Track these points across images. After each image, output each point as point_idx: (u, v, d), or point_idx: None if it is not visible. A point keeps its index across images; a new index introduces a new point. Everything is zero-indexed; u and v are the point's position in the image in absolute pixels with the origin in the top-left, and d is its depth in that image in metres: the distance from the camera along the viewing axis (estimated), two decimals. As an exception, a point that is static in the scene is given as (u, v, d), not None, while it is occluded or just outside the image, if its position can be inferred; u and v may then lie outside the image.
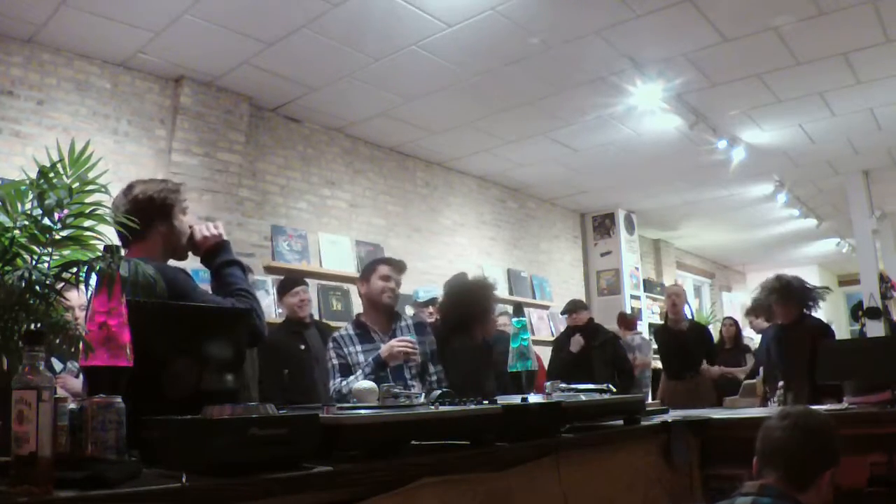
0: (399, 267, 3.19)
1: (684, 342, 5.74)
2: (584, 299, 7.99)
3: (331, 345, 3.12)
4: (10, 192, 1.29)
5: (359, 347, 3.05)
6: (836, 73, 5.05)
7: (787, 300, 3.91)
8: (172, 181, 2.28)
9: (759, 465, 1.72)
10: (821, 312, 4.25)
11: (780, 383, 3.81)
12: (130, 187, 2.14)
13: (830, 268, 13.94)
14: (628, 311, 8.27)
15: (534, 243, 8.14)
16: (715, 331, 7.29)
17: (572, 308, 5.55)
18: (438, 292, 5.18)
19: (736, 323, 6.99)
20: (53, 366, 2.87)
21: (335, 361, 3.05)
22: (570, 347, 5.09)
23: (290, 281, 4.43)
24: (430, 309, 5.00)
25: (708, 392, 5.58)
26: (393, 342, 2.95)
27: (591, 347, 4.95)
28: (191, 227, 2.16)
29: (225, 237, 2.18)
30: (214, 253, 2.13)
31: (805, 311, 3.97)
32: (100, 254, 1.30)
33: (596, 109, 5.60)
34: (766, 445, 1.72)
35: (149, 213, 2.10)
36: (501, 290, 6.56)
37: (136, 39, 4.25)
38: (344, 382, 2.97)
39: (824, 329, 4.06)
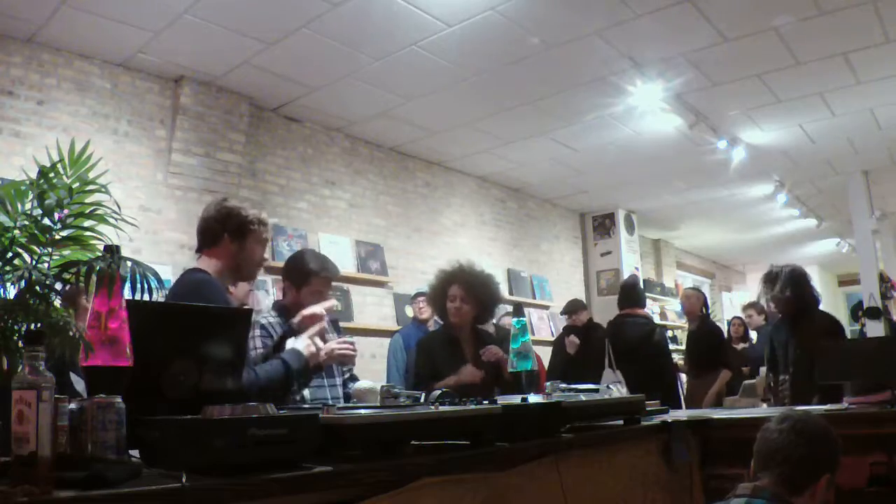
0: (334, 277, 2.94)
1: (694, 342, 5.90)
2: (584, 299, 7.99)
3: (257, 332, 2.82)
4: (10, 192, 1.30)
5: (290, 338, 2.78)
6: (836, 73, 5.05)
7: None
8: (265, 216, 2.55)
9: (755, 467, 1.73)
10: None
11: (783, 378, 3.76)
12: (225, 199, 2.49)
13: (830, 268, 13.94)
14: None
15: (534, 243, 8.14)
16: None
17: (572, 309, 5.56)
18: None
19: (744, 322, 7.08)
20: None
21: (261, 351, 2.71)
22: (567, 349, 5.08)
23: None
24: (421, 304, 5.07)
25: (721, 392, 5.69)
26: (332, 345, 2.70)
27: (589, 348, 4.93)
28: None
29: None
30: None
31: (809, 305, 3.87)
32: (100, 254, 1.30)
33: (596, 109, 5.60)
34: (763, 447, 1.72)
35: (224, 226, 2.40)
36: (502, 291, 6.60)
37: (136, 39, 4.25)
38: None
39: (834, 326, 3.94)
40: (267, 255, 5.46)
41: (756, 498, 1.63)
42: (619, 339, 4.57)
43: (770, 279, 3.86)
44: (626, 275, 8.67)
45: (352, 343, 2.78)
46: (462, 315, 3.21)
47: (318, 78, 4.93)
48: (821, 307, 3.99)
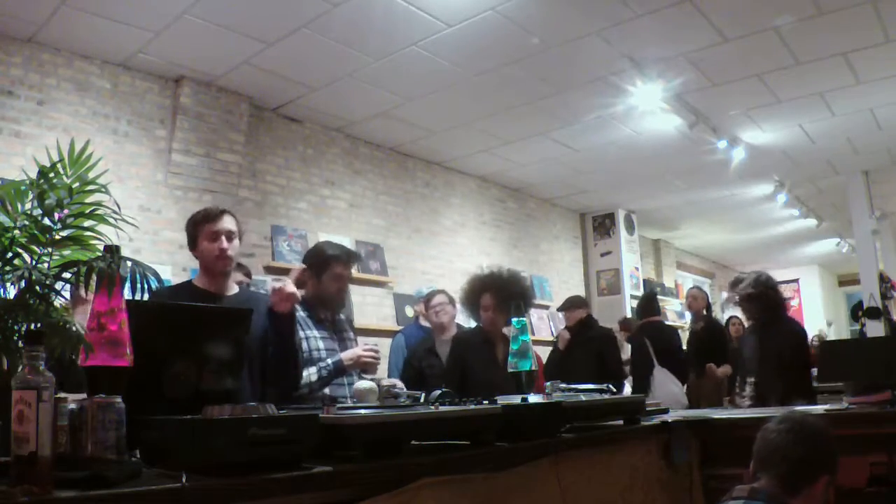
0: (353, 261, 2.95)
1: (699, 341, 5.92)
2: (583, 299, 7.98)
3: (315, 332, 2.87)
4: (10, 192, 1.29)
5: (316, 332, 2.83)
6: (836, 73, 5.05)
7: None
8: (214, 206, 2.61)
9: (754, 468, 1.73)
10: (820, 312, 4.27)
11: (751, 380, 3.77)
12: None
13: (830, 268, 13.93)
14: (628, 313, 8.27)
15: (534, 243, 8.14)
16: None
17: (568, 305, 5.49)
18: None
19: (743, 322, 7.08)
20: None
21: (323, 352, 2.79)
22: (558, 345, 5.06)
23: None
24: (420, 307, 5.05)
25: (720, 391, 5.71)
26: (358, 351, 2.81)
27: (578, 344, 4.81)
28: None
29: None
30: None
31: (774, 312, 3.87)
32: (100, 254, 1.30)
33: (596, 109, 5.60)
34: (763, 448, 1.72)
35: (188, 239, 2.52)
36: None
37: (136, 39, 4.24)
38: (307, 373, 2.71)
39: (800, 332, 3.96)
40: (266, 255, 5.47)
41: (753, 500, 1.63)
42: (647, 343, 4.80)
43: (736, 284, 3.96)
44: (626, 275, 8.71)
45: (377, 350, 2.86)
46: (495, 323, 3.39)
47: (318, 78, 4.93)
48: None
